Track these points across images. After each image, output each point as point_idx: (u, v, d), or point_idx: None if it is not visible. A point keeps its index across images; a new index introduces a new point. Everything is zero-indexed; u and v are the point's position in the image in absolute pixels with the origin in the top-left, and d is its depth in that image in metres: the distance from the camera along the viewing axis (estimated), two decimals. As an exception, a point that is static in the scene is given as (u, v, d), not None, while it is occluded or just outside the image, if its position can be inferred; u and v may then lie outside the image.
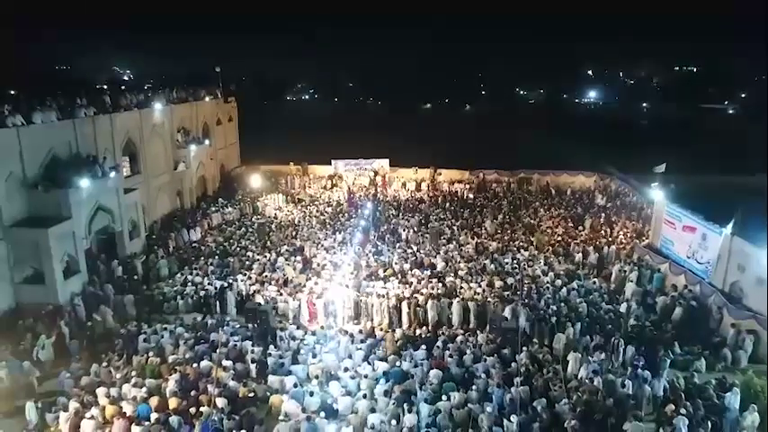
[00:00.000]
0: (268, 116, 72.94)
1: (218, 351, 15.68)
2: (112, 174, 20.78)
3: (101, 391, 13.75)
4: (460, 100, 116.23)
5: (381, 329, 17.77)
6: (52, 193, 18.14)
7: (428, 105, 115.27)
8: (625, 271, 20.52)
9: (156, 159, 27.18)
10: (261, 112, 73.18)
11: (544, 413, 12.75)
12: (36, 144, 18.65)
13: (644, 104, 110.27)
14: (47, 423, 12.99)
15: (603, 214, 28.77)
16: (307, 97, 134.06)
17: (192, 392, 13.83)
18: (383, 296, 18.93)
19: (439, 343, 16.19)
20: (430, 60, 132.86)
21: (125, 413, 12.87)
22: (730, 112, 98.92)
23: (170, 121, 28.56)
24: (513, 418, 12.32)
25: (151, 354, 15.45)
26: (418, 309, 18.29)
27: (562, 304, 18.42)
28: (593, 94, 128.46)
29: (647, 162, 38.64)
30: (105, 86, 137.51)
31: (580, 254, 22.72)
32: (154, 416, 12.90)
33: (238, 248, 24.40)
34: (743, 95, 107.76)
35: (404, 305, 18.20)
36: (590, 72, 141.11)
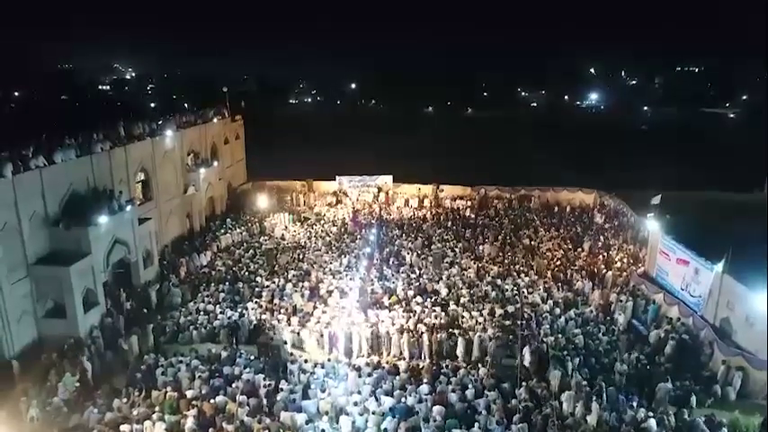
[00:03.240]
0: (271, 123, 73.69)
1: (232, 385, 16.56)
2: (128, 207, 21.65)
3: (124, 427, 14.57)
4: (462, 103, 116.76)
5: (387, 362, 18.50)
6: (73, 230, 19.00)
7: (430, 108, 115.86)
8: (621, 301, 21.30)
9: (167, 185, 28.04)
10: (264, 118, 73.93)
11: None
12: (57, 182, 19.54)
13: (645, 108, 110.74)
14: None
15: (602, 236, 29.51)
16: (309, 100, 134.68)
17: (210, 429, 14.68)
18: (406, 329, 19.56)
19: (442, 377, 17.04)
20: (432, 62, 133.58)
21: (148, 451, 13.75)
22: (731, 116, 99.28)
23: (180, 145, 29.41)
24: (513, 456, 13.14)
25: (169, 388, 16.25)
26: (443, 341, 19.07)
27: (560, 335, 19.21)
28: (594, 97, 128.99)
29: (646, 176, 39.57)
30: (109, 87, 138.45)
31: (579, 282, 23.47)
32: (175, 453, 13.77)
33: (247, 273, 25.20)
34: (744, 98, 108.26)
35: (425, 337, 18.92)
36: (592, 71, 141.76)
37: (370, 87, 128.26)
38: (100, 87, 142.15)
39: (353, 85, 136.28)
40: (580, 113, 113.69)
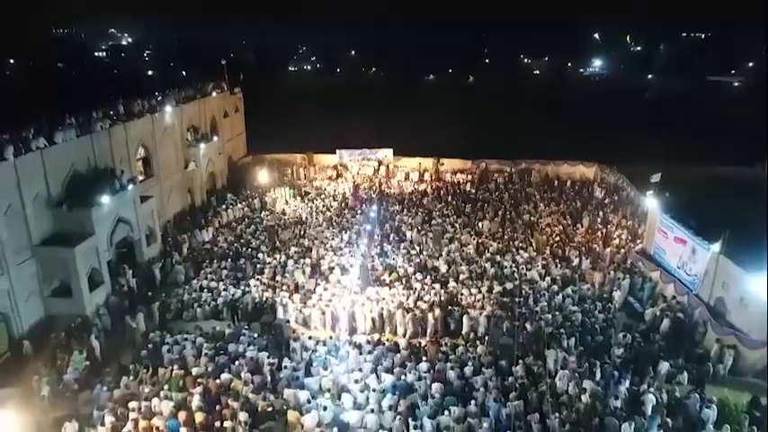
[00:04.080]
0: (271, 93, 72.87)
1: (236, 363, 16.99)
2: (130, 187, 21.79)
3: (133, 404, 15.04)
4: (463, 70, 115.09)
5: (388, 340, 18.90)
6: (76, 211, 19.19)
7: (431, 77, 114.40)
8: (618, 278, 21.60)
9: (167, 161, 28.11)
10: (263, 88, 73.14)
11: (536, 428, 14.06)
12: (58, 163, 19.64)
13: (649, 75, 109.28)
14: (86, 437, 14.37)
15: (601, 212, 29.69)
16: (309, 68, 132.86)
17: (216, 406, 15.16)
18: (406, 307, 19.90)
19: (440, 355, 17.45)
20: (433, 28, 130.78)
21: (158, 427, 14.23)
22: (736, 84, 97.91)
23: (180, 121, 29.35)
24: (508, 433, 13.62)
25: (175, 366, 16.67)
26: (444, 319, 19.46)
27: (557, 313, 19.55)
28: (598, 64, 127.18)
29: (647, 148, 39.44)
30: (105, 53, 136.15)
31: (577, 259, 23.74)
32: (183, 430, 14.24)
33: (249, 249, 25.46)
34: (750, 65, 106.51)
35: (430, 316, 19.23)
36: (597, 36, 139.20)
37: (371, 54, 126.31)
38: (96, 54, 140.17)
39: (353, 52, 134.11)
40: (583, 81, 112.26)
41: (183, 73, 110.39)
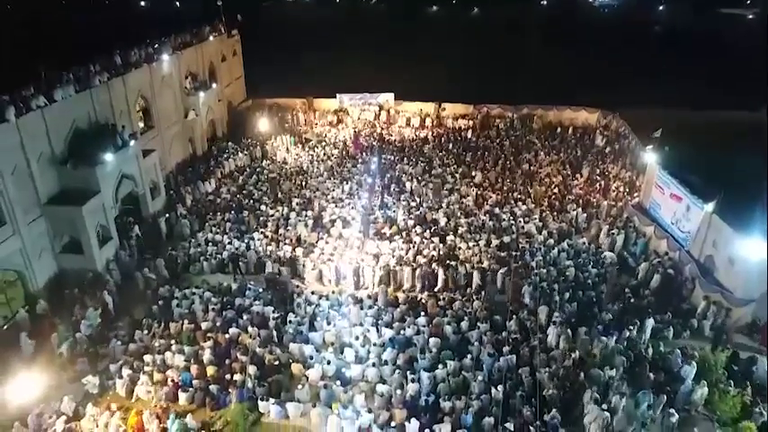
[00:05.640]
0: (270, 27, 70.74)
1: (243, 317, 17.81)
2: (132, 142, 21.84)
3: (148, 357, 15.97)
4: (467, 1, 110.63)
5: (388, 294, 19.59)
6: (81, 169, 19.39)
7: (434, 8, 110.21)
8: (613, 233, 22.06)
9: (167, 111, 27.95)
10: (262, 19, 70.88)
11: (527, 381, 15.00)
12: (59, 121, 19.61)
13: (660, 7, 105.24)
14: (105, 388, 15.36)
15: (601, 161, 29.76)
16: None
17: (226, 360, 16.08)
18: (406, 261, 20.46)
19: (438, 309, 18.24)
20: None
21: (173, 379, 15.20)
22: (750, 17, 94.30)
23: (177, 69, 28.87)
24: (500, 387, 14.54)
25: (185, 321, 17.49)
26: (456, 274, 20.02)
27: (551, 267, 20.19)
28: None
29: (653, 89, 38.79)
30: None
31: (575, 212, 24.12)
32: (195, 383, 15.22)
33: (251, 201, 25.83)
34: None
35: (439, 271, 19.79)
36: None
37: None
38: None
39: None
40: (591, 12, 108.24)
41: (177, 3, 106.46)
